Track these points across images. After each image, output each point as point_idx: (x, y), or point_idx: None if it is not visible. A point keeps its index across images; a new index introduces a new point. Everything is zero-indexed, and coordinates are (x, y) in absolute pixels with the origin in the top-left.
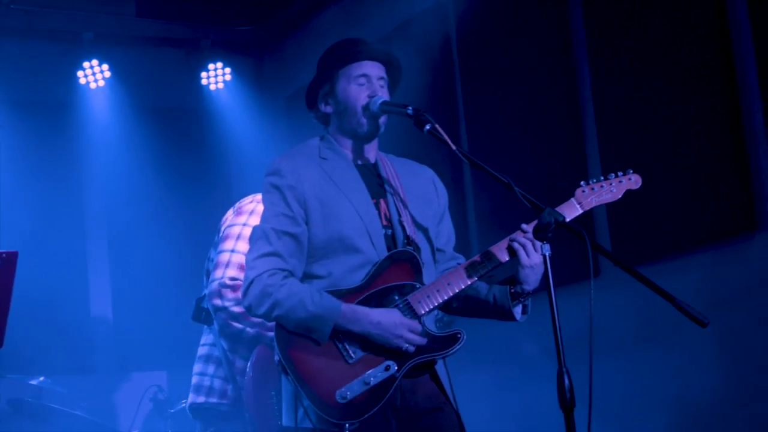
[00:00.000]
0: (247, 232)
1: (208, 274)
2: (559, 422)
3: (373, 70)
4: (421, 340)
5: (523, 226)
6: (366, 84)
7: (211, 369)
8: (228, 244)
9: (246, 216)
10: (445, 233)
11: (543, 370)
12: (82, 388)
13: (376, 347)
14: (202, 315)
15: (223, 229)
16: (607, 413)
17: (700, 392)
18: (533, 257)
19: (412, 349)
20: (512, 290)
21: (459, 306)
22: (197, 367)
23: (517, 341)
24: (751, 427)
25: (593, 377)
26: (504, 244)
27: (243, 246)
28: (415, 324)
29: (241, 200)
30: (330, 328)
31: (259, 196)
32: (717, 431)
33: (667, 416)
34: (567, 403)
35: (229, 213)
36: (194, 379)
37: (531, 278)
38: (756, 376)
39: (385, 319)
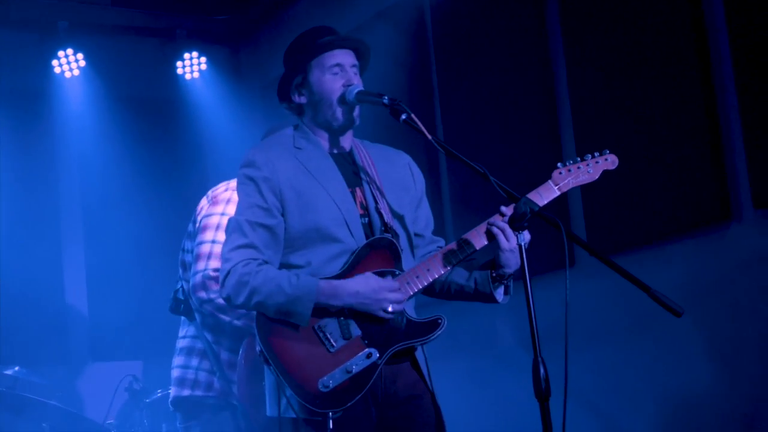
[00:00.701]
0: (226, 221)
1: (184, 265)
2: (534, 412)
3: (346, 58)
4: (403, 296)
5: (502, 208)
6: (340, 73)
7: (194, 362)
8: (208, 235)
9: (223, 205)
10: (423, 218)
11: (519, 359)
12: (57, 378)
13: (356, 334)
14: (181, 307)
15: (199, 219)
16: (584, 403)
17: (676, 381)
18: (513, 240)
19: (399, 307)
20: (493, 274)
21: (441, 290)
22: (179, 360)
23: (494, 331)
24: (729, 415)
25: (569, 367)
26: (482, 228)
27: (223, 236)
28: (392, 283)
29: (214, 189)
30: (310, 309)
31: (232, 183)
32: (694, 420)
33: (644, 405)
34: (542, 393)
35: (204, 202)
36: (176, 372)
37: (511, 261)
38: (732, 365)
39: (363, 287)
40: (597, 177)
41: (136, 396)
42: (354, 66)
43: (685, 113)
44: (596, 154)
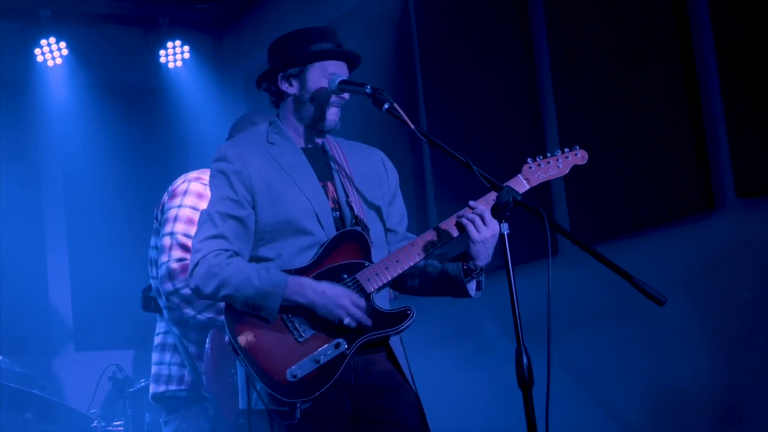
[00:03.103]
0: (183, 213)
1: (152, 262)
2: (518, 400)
3: (345, 71)
4: (364, 317)
5: (471, 202)
6: None
7: (167, 357)
8: (167, 228)
9: (180, 197)
10: (396, 213)
11: (502, 348)
12: (40, 367)
13: (325, 323)
14: (151, 304)
15: (160, 215)
16: (567, 391)
17: (659, 369)
18: (483, 232)
19: (353, 324)
20: (465, 266)
21: (413, 284)
22: (154, 357)
23: (477, 320)
24: (712, 402)
25: (552, 356)
26: (452, 220)
27: (181, 227)
28: (359, 299)
29: (173, 183)
30: (278, 304)
31: (190, 175)
32: (678, 407)
33: (627, 393)
34: (525, 382)
35: (164, 198)
36: (153, 369)
37: (482, 253)
38: (715, 352)
39: (330, 290)
40: (567, 172)
41: (120, 385)
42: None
43: (668, 102)
44: (566, 149)
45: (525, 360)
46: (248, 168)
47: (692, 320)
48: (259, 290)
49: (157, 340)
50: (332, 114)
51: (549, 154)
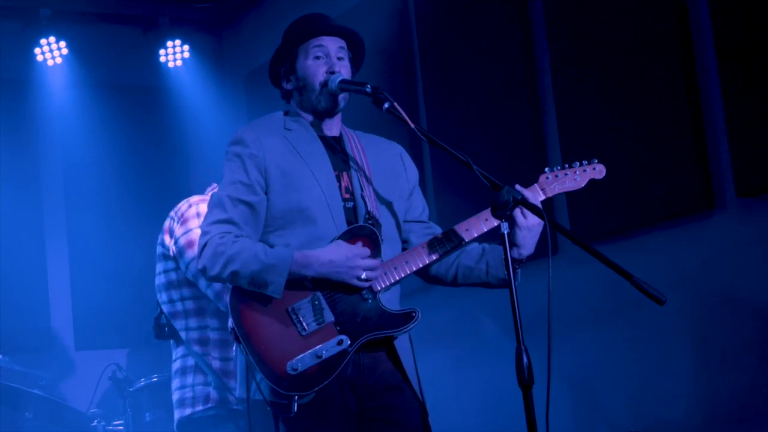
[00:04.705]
0: None
1: (161, 289)
2: (518, 399)
3: (331, 43)
4: (376, 263)
5: (517, 186)
6: (324, 58)
7: (189, 379)
8: (189, 254)
9: (196, 220)
10: (419, 205)
11: (502, 347)
12: (40, 366)
13: (333, 316)
14: (165, 330)
15: (170, 242)
16: (567, 390)
17: (659, 368)
18: (530, 218)
19: (373, 274)
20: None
21: (446, 275)
22: (175, 383)
23: (477, 319)
24: (710, 403)
25: (552, 355)
26: (486, 213)
27: None
28: (365, 250)
29: (176, 209)
30: (284, 278)
31: (193, 199)
32: (678, 407)
33: (627, 391)
34: (525, 381)
35: (174, 226)
36: (176, 395)
37: (528, 241)
38: (714, 352)
39: (336, 255)
40: (583, 185)
41: (120, 385)
42: (341, 49)
43: (669, 102)
44: (584, 162)
45: (525, 359)
46: (264, 152)
47: (692, 320)
48: (265, 264)
49: (176, 365)
50: (327, 95)
51: (567, 165)
